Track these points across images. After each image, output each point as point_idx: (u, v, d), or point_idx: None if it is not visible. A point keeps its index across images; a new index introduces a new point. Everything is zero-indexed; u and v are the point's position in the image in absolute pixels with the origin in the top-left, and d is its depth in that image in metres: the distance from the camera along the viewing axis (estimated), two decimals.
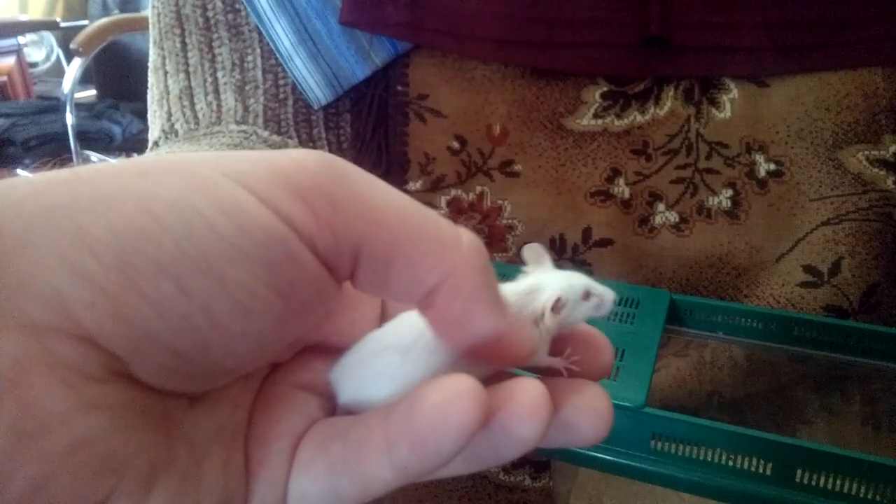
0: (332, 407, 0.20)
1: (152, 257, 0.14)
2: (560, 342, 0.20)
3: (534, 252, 0.21)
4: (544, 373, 0.20)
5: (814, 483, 0.33)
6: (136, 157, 0.17)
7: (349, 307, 0.21)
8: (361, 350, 0.20)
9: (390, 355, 0.19)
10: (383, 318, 0.22)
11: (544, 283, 0.20)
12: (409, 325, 0.19)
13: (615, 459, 0.36)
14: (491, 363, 0.19)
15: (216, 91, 0.55)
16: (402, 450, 0.16)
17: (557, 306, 0.19)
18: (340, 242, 0.16)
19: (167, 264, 0.14)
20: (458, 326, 0.17)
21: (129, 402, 0.15)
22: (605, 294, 0.20)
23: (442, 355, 0.18)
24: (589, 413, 0.18)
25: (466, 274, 0.17)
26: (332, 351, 0.20)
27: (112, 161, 2.08)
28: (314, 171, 0.16)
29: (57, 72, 2.51)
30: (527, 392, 0.17)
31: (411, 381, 0.18)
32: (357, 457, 0.17)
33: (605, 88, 0.53)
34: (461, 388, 0.15)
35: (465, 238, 0.17)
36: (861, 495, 0.32)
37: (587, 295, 0.20)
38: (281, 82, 0.55)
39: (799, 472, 0.33)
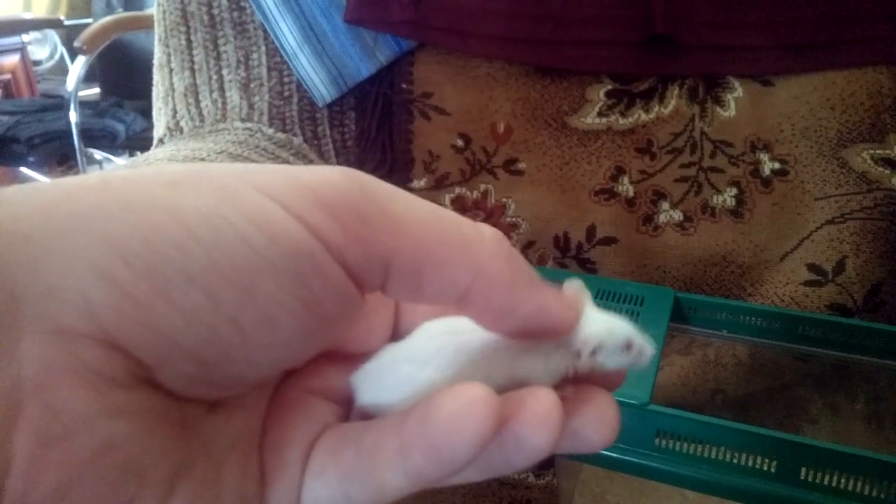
0: (345, 413, 0.20)
1: (183, 266, 0.15)
2: None
3: (575, 289, 0.21)
4: None
5: (818, 481, 0.33)
6: (163, 166, 0.17)
7: (364, 315, 0.21)
8: (383, 358, 0.20)
9: (410, 365, 0.19)
10: (396, 325, 0.22)
11: (585, 321, 0.19)
12: (429, 339, 0.19)
13: (619, 456, 0.36)
14: (539, 336, 0.19)
15: (221, 88, 0.56)
16: (415, 456, 0.16)
17: (593, 352, 0.19)
18: (370, 256, 0.16)
19: (197, 274, 0.15)
20: (502, 316, 0.18)
21: (152, 408, 0.15)
22: (646, 347, 0.20)
23: (459, 367, 0.19)
24: (596, 422, 0.18)
25: (495, 267, 0.17)
26: (346, 358, 0.21)
27: (116, 160, 2.08)
28: (340, 187, 0.16)
29: (61, 70, 2.52)
30: (539, 401, 0.17)
31: (429, 388, 0.18)
32: (370, 463, 0.17)
33: (609, 87, 0.53)
34: (475, 396, 0.16)
35: (487, 233, 0.18)
36: (865, 493, 0.32)
37: (629, 345, 0.20)
38: (286, 80, 0.55)
39: (803, 469, 0.33)
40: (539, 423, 0.16)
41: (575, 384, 0.20)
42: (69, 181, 0.15)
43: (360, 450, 0.17)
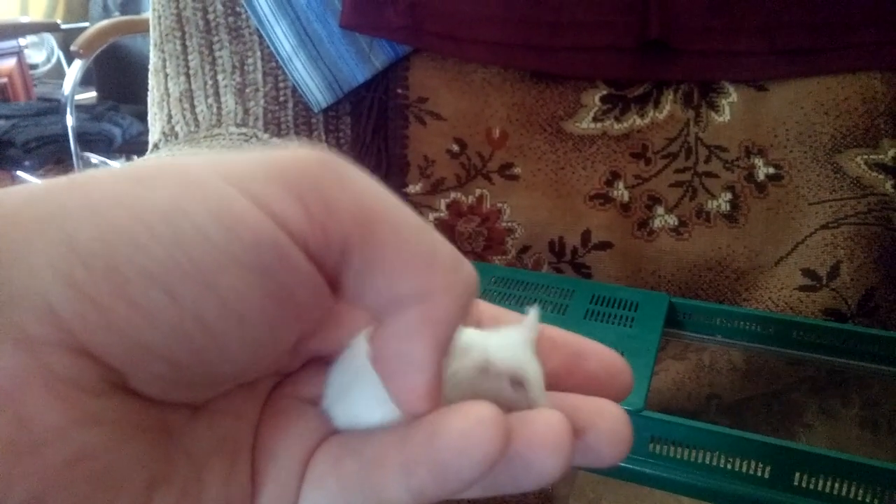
0: None
1: (141, 266, 0.14)
2: (577, 362, 0.20)
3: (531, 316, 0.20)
4: (561, 388, 0.20)
5: (812, 486, 0.33)
6: (137, 162, 0.16)
7: (358, 318, 0.20)
8: (346, 371, 0.19)
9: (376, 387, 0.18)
10: None
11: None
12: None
13: None
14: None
15: (216, 94, 0.56)
16: (421, 474, 0.16)
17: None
18: (331, 242, 0.16)
19: (157, 273, 0.14)
20: (393, 345, 0.17)
21: (127, 415, 0.15)
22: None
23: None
24: (611, 438, 0.18)
25: (444, 301, 0.16)
26: None
27: (112, 164, 2.08)
28: (313, 172, 0.16)
29: (57, 73, 2.52)
30: (549, 424, 0.16)
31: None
32: (372, 475, 0.17)
33: (604, 92, 0.53)
34: (485, 416, 0.15)
35: (466, 271, 0.17)
36: (859, 499, 0.32)
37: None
38: (281, 85, 0.55)
39: (797, 475, 0.33)
40: (551, 448, 0.16)
41: (581, 391, 0.19)
42: (40, 184, 0.15)
43: (361, 461, 0.17)
